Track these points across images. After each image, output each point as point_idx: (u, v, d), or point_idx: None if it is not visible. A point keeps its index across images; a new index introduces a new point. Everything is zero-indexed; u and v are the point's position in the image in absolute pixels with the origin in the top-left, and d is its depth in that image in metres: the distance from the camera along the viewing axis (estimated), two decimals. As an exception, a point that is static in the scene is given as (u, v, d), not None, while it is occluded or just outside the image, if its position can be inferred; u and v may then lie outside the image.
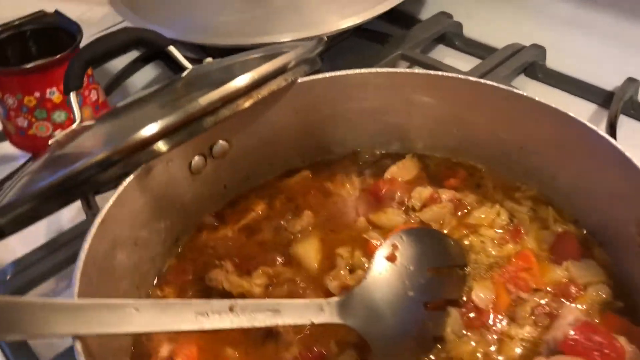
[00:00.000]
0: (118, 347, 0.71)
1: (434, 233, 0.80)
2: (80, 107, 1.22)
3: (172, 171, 0.80)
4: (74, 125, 0.93)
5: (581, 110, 1.26)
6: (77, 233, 1.06)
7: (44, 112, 1.20)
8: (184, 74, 0.94)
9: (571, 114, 0.75)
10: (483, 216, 0.82)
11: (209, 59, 0.99)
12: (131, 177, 0.74)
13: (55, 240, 1.06)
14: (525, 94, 0.79)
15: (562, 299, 0.72)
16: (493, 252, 0.79)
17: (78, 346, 0.57)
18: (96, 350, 0.61)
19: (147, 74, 1.55)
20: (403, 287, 0.71)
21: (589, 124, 0.74)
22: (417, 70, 0.85)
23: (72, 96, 0.94)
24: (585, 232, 0.79)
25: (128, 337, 0.73)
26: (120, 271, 0.74)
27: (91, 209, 1.02)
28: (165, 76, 1.53)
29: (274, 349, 0.72)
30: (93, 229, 0.68)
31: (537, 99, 0.78)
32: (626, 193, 0.70)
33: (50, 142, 0.94)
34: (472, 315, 0.72)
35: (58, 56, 1.17)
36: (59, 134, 0.94)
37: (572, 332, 0.63)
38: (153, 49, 1.02)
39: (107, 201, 0.71)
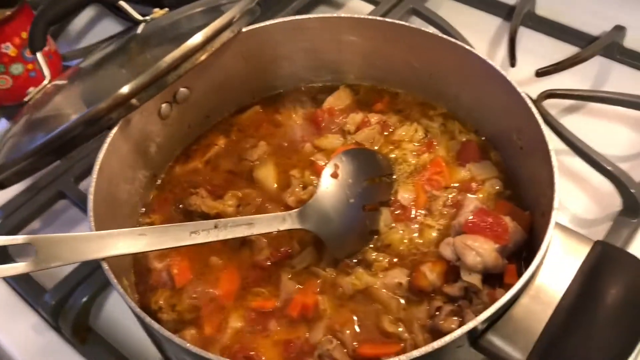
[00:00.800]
0: (124, 267, 0.89)
1: (366, 151, 0.99)
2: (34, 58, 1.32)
3: (145, 119, 0.95)
4: (46, 83, 1.05)
5: (489, 24, 1.45)
6: (55, 175, 1.20)
7: (1, 67, 1.29)
8: (138, 30, 1.05)
9: (466, 47, 0.93)
10: (404, 133, 1.02)
11: (157, 9, 1.11)
12: (115, 128, 0.88)
13: (36, 184, 1.20)
14: (430, 32, 0.96)
15: (466, 193, 0.94)
16: (412, 162, 0.99)
17: (105, 265, 0.74)
18: (114, 271, 0.79)
19: (85, 15, 1.64)
20: (345, 196, 0.91)
21: (480, 54, 0.92)
22: (343, 14, 1.00)
23: (39, 56, 1.05)
24: (483, 139, 1.01)
25: (129, 258, 0.91)
26: (116, 205, 0.90)
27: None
28: (102, 14, 1.61)
29: (249, 253, 0.92)
30: (94, 174, 0.83)
31: (440, 34, 0.95)
32: (508, 107, 0.90)
33: (25, 99, 1.06)
34: (398, 212, 0.93)
35: (9, 12, 1.25)
36: (33, 92, 1.06)
37: (470, 217, 0.85)
38: (106, 4, 1.12)
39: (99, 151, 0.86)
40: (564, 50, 1.38)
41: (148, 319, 0.72)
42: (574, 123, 1.18)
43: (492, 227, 0.83)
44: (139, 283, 0.91)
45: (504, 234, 0.83)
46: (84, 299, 1.01)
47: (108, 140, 0.87)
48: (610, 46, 1.33)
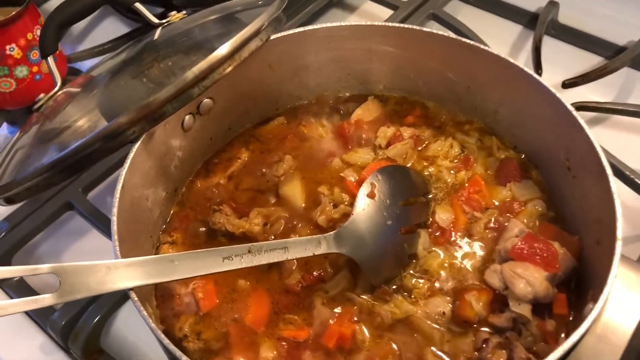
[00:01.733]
0: (146, 292, 0.83)
1: (402, 169, 0.94)
2: (40, 61, 1.25)
3: (168, 132, 0.89)
4: (56, 90, 0.98)
5: (509, 31, 1.41)
6: (63, 185, 1.13)
7: (5, 69, 1.22)
8: (154, 36, 0.99)
9: (509, 59, 0.88)
10: (439, 149, 0.97)
11: (174, 13, 1.05)
12: (138, 142, 0.82)
13: (42, 195, 1.13)
14: (471, 42, 0.91)
15: (508, 214, 0.89)
16: (449, 180, 0.94)
17: (134, 296, 0.68)
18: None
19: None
20: (383, 218, 0.86)
21: (524, 67, 0.87)
22: (377, 23, 0.94)
23: (50, 60, 0.99)
24: (523, 156, 0.96)
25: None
26: (138, 223, 0.84)
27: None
28: (105, 12, 1.54)
29: (278, 276, 0.86)
30: (117, 194, 0.77)
31: (481, 46, 0.90)
32: (555, 123, 0.85)
33: (34, 108, 1.00)
34: (437, 234, 0.88)
35: (13, 13, 1.18)
36: (43, 99, 0.99)
37: (519, 243, 0.80)
38: (121, 6, 1.05)
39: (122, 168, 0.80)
40: (589, 60, 1.34)
41: (178, 353, 0.66)
42: (598, 136, 1.14)
43: (542, 254, 0.79)
44: (160, 308, 0.85)
45: (554, 262, 0.78)
46: (96, 319, 0.95)
47: (131, 155, 0.81)
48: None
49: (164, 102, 0.79)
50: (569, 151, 0.85)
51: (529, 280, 0.76)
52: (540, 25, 1.34)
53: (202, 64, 0.81)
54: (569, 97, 1.15)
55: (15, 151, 0.91)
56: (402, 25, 0.95)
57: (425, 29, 0.94)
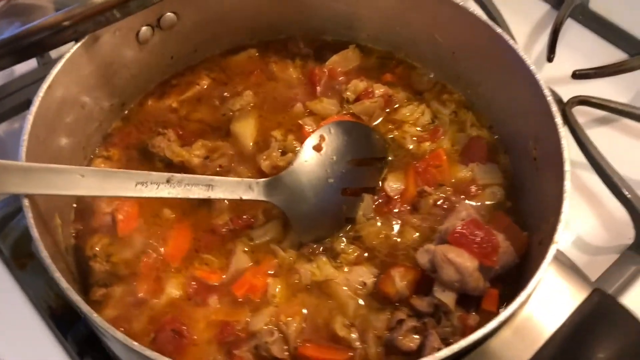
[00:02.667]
0: (63, 204, 0.79)
1: (361, 127, 0.87)
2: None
3: (119, 40, 0.83)
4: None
5: (535, 9, 1.30)
6: (29, 81, 1.09)
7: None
8: None
9: (498, 30, 0.80)
10: (409, 114, 0.90)
11: None
12: (79, 44, 0.77)
13: (7, 86, 1.08)
14: (460, 4, 0.82)
15: (462, 196, 0.82)
16: (411, 147, 0.87)
17: (26, 202, 0.64)
18: (43, 206, 0.69)
19: None
20: (325, 175, 0.80)
21: (511, 42, 0.79)
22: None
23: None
24: (496, 137, 0.88)
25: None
26: (67, 130, 0.79)
27: (43, 58, 1.05)
28: None
29: (207, 214, 0.81)
30: (40, 92, 0.72)
31: (470, 9, 0.82)
32: (531, 110, 0.77)
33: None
34: (381, 201, 0.82)
35: None
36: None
37: (459, 227, 0.73)
38: None
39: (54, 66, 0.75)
40: (612, 54, 1.23)
41: (65, 284, 0.62)
42: (602, 137, 1.04)
43: (481, 244, 0.72)
44: (78, 222, 0.81)
45: (493, 254, 0.72)
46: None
47: (67, 55, 0.76)
48: (664, 60, 1.18)
49: (110, 4, 0.73)
50: (537, 140, 0.77)
51: (459, 267, 0.70)
52: (565, 7, 1.23)
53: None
54: (579, 90, 1.08)
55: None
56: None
57: (415, -20, 0.85)
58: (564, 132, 0.70)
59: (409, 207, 0.82)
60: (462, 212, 0.77)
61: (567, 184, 0.67)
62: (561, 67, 1.14)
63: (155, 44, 0.88)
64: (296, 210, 0.77)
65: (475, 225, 0.74)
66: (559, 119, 0.71)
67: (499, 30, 0.79)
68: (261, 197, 0.76)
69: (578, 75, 1.12)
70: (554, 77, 1.15)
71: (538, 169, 0.77)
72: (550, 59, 1.16)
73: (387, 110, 0.91)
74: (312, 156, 0.80)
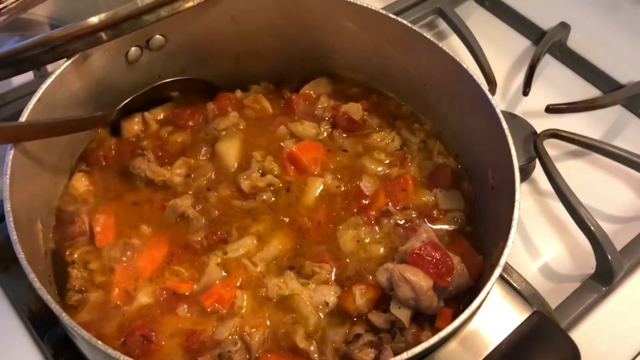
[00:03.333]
0: (45, 210, 0.83)
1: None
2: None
3: (108, 59, 0.88)
4: (23, -6, 0.98)
5: (516, 44, 1.36)
6: (25, 92, 1.14)
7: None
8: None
9: (462, 63, 0.85)
10: (379, 140, 0.94)
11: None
12: (69, 61, 0.81)
13: (4, 96, 1.14)
14: (429, 37, 0.87)
15: (425, 219, 0.86)
16: (379, 169, 0.92)
17: (7, 206, 0.69)
18: (25, 211, 0.73)
19: None
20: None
21: (474, 76, 0.83)
22: (348, -1, 0.91)
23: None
24: (460, 167, 0.93)
25: (50, 198, 0.86)
26: (52, 144, 0.84)
27: (39, 71, 1.10)
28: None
29: (183, 230, 0.85)
30: (30, 106, 0.77)
31: (439, 44, 0.87)
32: (491, 140, 0.82)
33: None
34: (352, 200, 0.87)
35: None
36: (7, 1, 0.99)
37: (417, 248, 0.77)
38: None
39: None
40: (586, 90, 1.29)
41: (38, 285, 0.66)
42: (573, 170, 1.10)
43: (437, 265, 0.76)
44: (58, 227, 0.85)
45: (447, 275, 0.76)
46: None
47: (58, 71, 0.81)
48: (635, 98, 1.23)
49: (107, 24, 0.79)
50: (496, 169, 0.82)
51: (415, 286, 0.74)
52: (543, 44, 1.29)
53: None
54: (553, 123, 1.13)
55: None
56: (368, 5, 0.91)
57: (390, 15, 0.90)
58: (516, 162, 0.74)
59: (375, 215, 0.86)
60: (422, 234, 0.81)
61: (516, 213, 0.71)
62: (537, 101, 1.20)
63: (144, 64, 0.93)
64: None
65: (433, 247, 0.78)
66: (512, 149, 0.76)
67: (464, 64, 0.84)
68: None
69: (551, 109, 1.17)
70: (530, 111, 1.21)
71: (494, 197, 0.81)
72: (525, 93, 1.22)
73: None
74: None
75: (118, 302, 0.79)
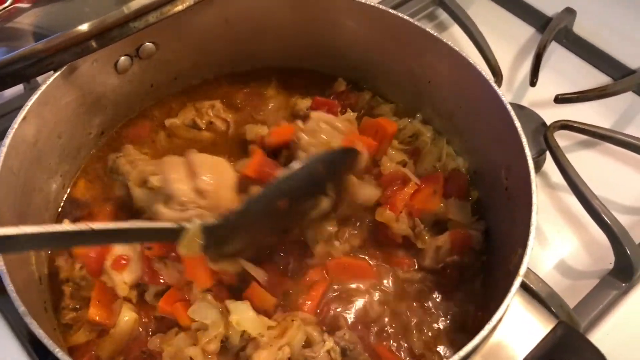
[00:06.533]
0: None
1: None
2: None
3: (97, 70, 0.84)
4: (7, 5, 0.94)
5: (520, 33, 1.31)
6: (14, 106, 1.09)
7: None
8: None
9: (470, 60, 0.80)
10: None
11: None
12: (56, 74, 0.77)
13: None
14: (433, 33, 0.83)
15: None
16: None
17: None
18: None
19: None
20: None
21: (482, 72, 0.79)
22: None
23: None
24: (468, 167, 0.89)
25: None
26: (42, 161, 0.80)
27: (29, 84, 1.06)
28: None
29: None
30: (15, 124, 0.73)
31: (444, 40, 0.82)
32: (504, 140, 0.78)
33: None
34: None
35: None
36: (-6, 13, 0.95)
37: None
38: None
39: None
40: (596, 78, 1.24)
41: (29, 320, 0.63)
42: (585, 161, 1.05)
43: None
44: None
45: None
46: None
47: (43, 87, 0.76)
48: (647, 83, 1.19)
49: (87, 36, 0.75)
50: (510, 170, 0.77)
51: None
52: (549, 31, 1.24)
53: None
54: (563, 113, 1.08)
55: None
56: (367, 2, 0.87)
57: (390, 10, 0.86)
58: (530, 160, 0.70)
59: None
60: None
61: (534, 217, 0.67)
62: (545, 91, 1.15)
63: (135, 73, 0.89)
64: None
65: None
66: (527, 149, 0.71)
67: (469, 59, 0.80)
68: None
69: (560, 99, 1.13)
70: (538, 101, 1.16)
71: (509, 199, 0.77)
72: (533, 83, 1.17)
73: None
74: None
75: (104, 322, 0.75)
